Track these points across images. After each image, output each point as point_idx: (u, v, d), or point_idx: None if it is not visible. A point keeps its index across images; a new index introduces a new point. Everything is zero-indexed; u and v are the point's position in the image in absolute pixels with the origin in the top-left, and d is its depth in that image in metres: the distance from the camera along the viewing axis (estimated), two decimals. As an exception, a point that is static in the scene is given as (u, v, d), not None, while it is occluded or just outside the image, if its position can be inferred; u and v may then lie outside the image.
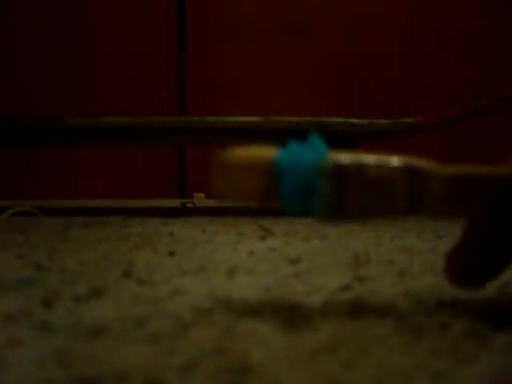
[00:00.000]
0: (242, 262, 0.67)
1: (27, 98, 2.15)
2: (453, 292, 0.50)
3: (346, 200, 0.39)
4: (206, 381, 0.30)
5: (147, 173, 2.18)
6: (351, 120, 1.25)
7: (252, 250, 0.76)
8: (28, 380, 0.30)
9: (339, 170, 0.39)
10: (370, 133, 1.26)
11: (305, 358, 0.33)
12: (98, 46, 2.16)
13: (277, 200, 0.40)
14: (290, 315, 0.42)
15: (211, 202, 1.93)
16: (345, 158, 0.40)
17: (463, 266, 0.42)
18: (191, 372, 0.31)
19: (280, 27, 2.17)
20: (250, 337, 0.38)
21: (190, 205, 1.62)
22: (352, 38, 2.18)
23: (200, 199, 2.13)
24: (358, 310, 0.44)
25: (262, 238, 0.88)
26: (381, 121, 1.26)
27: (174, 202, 1.90)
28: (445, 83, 2.18)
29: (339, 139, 1.32)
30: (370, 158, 0.40)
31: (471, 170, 0.41)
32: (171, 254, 0.73)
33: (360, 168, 0.39)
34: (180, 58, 2.18)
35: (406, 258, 0.70)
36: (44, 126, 1.24)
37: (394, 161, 0.40)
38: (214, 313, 0.44)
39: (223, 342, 0.36)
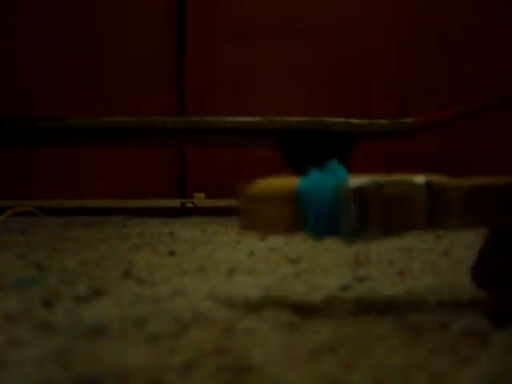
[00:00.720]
0: (242, 261, 0.67)
1: (27, 98, 2.15)
2: (453, 292, 0.50)
3: (369, 220, 0.40)
4: (206, 381, 0.30)
5: (147, 173, 2.18)
6: (351, 120, 1.25)
7: (252, 250, 0.76)
8: (28, 380, 0.30)
9: (360, 191, 0.40)
10: (370, 133, 1.26)
11: (305, 358, 0.33)
12: (98, 46, 2.16)
13: (303, 227, 0.42)
14: (290, 315, 0.42)
15: (211, 202, 1.93)
16: (365, 180, 0.41)
17: (489, 274, 0.43)
18: (191, 372, 0.31)
19: (280, 27, 2.17)
20: (250, 337, 0.38)
21: (190, 205, 1.62)
22: (352, 38, 2.18)
23: (200, 199, 2.13)
24: (357, 309, 0.44)
25: (262, 238, 0.88)
26: (381, 121, 1.26)
27: (174, 202, 1.90)
28: (445, 83, 2.18)
29: (339, 139, 1.32)
30: (388, 179, 0.41)
31: (486, 181, 0.41)
32: (171, 254, 0.73)
33: (380, 188, 0.40)
34: (180, 58, 2.18)
35: (406, 258, 0.70)
36: (44, 126, 1.24)
37: (413, 179, 0.41)
38: (214, 313, 0.44)
39: (223, 341, 0.36)
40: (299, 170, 1.37)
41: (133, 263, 0.66)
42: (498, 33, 2.18)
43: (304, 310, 0.44)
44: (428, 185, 0.40)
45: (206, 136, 1.37)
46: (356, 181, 0.41)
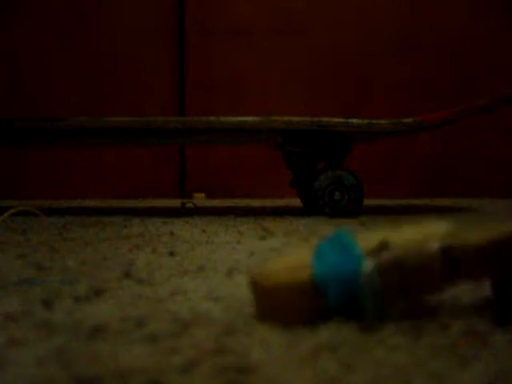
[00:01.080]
0: (242, 262, 0.67)
1: (27, 98, 2.15)
2: (453, 292, 0.50)
3: (390, 297, 0.40)
4: (206, 381, 0.30)
5: (147, 173, 2.18)
6: (351, 120, 1.25)
7: (252, 250, 0.76)
8: (28, 380, 0.30)
9: (381, 274, 0.40)
10: (369, 133, 1.27)
11: (305, 358, 0.33)
12: (98, 47, 2.16)
13: (323, 312, 0.41)
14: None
15: (211, 202, 1.93)
16: (383, 259, 0.40)
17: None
18: (191, 372, 0.31)
19: (280, 27, 2.17)
20: (250, 337, 0.38)
21: (190, 205, 1.62)
22: (352, 38, 2.18)
23: (200, 199, 2.13)
24: (357, 309, 0.44)
25: (262, 238, 0.88)
26: (381, 121, 1.26)
27: (174, 202, 1.90)
28: (445, 83, 2.18)
29: (339, 139, 1.33)
30: (407, 255, 0.41)
31: (498, 234, 0.41)
32: (171, 254, 0.73)
33: (399, 265, 0.40)
34: (180, 58, 2.18)
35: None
36: (44, 126, 1.24)
37: (429, 246, 0.41)
38: (213, 313, 0.44)
39: (223, 341, 0.36)
40: (299, 169, 1.37)
41: (133, 263, 0.66)
42: (498, 33, 2.18)
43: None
44: (443, 251, 0.41)
45: (206, 136, 1.37)
46: (375, 262, 0.40)
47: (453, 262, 0.41)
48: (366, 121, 1.26)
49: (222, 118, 1.25)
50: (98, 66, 2.15)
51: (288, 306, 0.40)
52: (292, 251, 0.44)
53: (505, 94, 1.33)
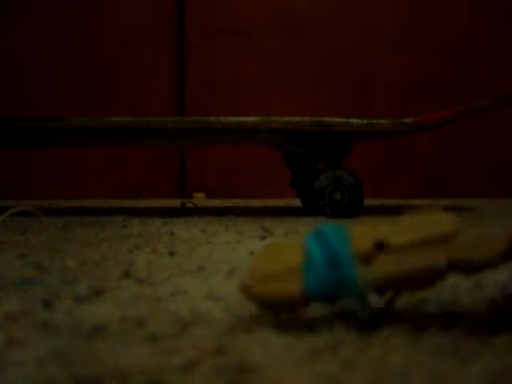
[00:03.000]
0: (242, 261, 0.67)
1: (27, 98, 2.15)
2: (453, 292, 0.50)
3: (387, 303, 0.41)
4: (206, 381, 0.30)
5: (147, 173, 2.18)
6: (351, 120, 1.25)
7: (252, 249, 0.76)
8: (28, 380, 0.30)
9: (374, 288, 0.39)
10: (369, 133, 1.27)
11: (305, 358, 0.33)
12: (98, 46, 2.16)
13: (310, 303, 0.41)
14: (290, 315, 0.42)
15: (211, 202, 1.93)
16: (378, 274, 0.39)
17: None
18: (191, 372, 0.31)
19: (280, 27, 2.17)
20: (250, 337, 0.38)
21: (190, 205, 1.62)
22: (352, 38, 2.18)
23: (200, 199, 2.13)
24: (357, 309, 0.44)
25: (262, 238, 0.88)
26: (381, 121, 1.26)
27: (174, 202, 1.90)
28: (445, 83, 2.18)
29: (339, 139, 1.33)
30: (408, 270, 0.40)
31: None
32: (171, 254, 0.73)
33: (396, 280, 0.40)
34: (180, 58, 2.18)
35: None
36: (44, 126, 1.24)
37: (435, 264, 0.39)
38: (213, 313, 0.44)
39: (223, 342, 0.36)
40: (299, 169, 1.37)
41: (133, 263, 0.66)
42: (498, 33, 2.18)
43: (304, 310, 0.44)
44: (450, 267, 0.39)
45: (206, 136, 1.37)
46: (365, 279, 0.39)
47: (457, 271, 0.40)
48: (365, 121, 1.26)
49: (222, 118, 1.25)
50: (98, 66, 2.15)
51: (281, 307, 0.41)
52: (280, 243, 0.44)
53: (505, 94, 1.33)
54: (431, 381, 0.30)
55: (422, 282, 0.39)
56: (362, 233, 0.42)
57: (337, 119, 1.26)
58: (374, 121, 1.26)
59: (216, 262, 0.66)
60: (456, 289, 0.52)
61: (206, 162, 2.18)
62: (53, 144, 1.52)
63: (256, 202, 1.90)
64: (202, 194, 2.18)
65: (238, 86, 2.17)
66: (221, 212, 1.42)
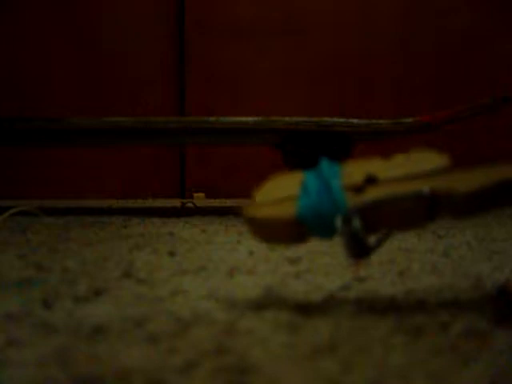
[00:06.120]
0: (242, 261, 0.67)
1: (27, 98, 2.15)
2: (453, 292, 0.50)
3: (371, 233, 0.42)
4: (206, 381, 0.30)
5: (147, 173, 2.18)
6: (351, 120, 1.25)
7: (252, 250, 0.76)
8: (28, 380, 0.30)
9: (361, 215, 0.41)
10: (369, 133, 1.26)
11: (305, 358, 0.33)
12: (98, 46, 2.16)
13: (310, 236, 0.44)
14: (290, 315, 0.42)
15: (211, 202, 1.93)
16: (364, 200, 0.41)
17: None
18: (191, 372, 0.31)
19: (280, 27, 2.17)
20: (250, 337, 0.38)
21: (190, 205, 1.62)
22: (352, 38, 2.18)
23: (200, 199, 2.13)
24: (358, 309, 0.44)
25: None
26: (381, 121, 1.26)
27: (174, 202, 1.90)
28: (445, 83, 2.18)
29: (339, 139, 1.32)
30: (391, 196, 0.41)
31: (485, 181, 0.41)
32: (171, 254, 0.73)
33: (380, 207, 0.41)
34: (180, 58, 2.18)
35: (406, 258, 0.70)
36: (44, 126, 1.24)
37: (417, 191, 0.40)
38: (213, 313, 0.44)
39: (223, 341, 0.36)
40: (298, 169, 1.37)
41: (133, 263, 0.66)
42: (498, 33, 2.18)
43: (304, 310, 0.44)
44: (432, 194, 0.40)
45: (206, 136, 1.37)
46: (353, 206, 0.41)
47: (437, 207, 0.40)
48: (365, 121, 1.26)
49: (222, 118, 1.25)
50: (97, 66, 2.15)
51: (276, 235, 0.44)
52: (283, 177, 0.46)
53: (505, 94, 1.33)
54: (431, 381, 0.30)
55: (409, 214, 0.40)
56: (354, 167, 0.44)
57: (337, 119, 1.26)
58: (374, 121, 1.26)
59: (216, 262, 0.66)
60: (456, 289, 0.52)
61: (205, 162, 2.18)
62: (53, 144, 1.52)
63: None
64: (202, 194, 2.18)
65: (237, 85, 2.17)
66: (221, 212, 1.42)
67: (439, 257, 0.71)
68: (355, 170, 0.43)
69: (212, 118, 1.25)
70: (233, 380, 0.30)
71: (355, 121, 1.25)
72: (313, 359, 0.33)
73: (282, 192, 0.44)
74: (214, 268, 0.63)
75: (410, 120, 1.26)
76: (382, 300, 0.48)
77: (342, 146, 1.34)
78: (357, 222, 0.40)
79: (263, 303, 0.47)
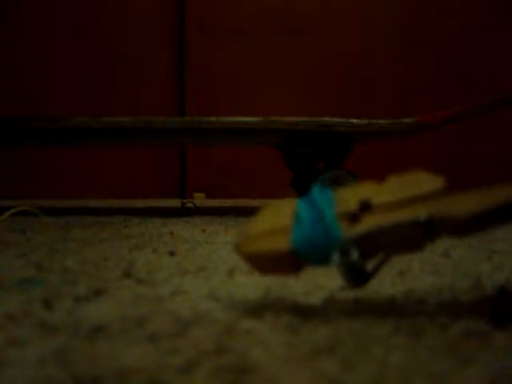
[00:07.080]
0: (242, 261, 0.67)
1: (28, 98, 2.15)
2: (453, 292, 0.50)
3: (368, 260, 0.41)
4: (206, 381, 0.30)
5: (147, 173, 2.18)
6: (351, 120, 1.25)
7: (252, 250, 0.76)
8: (28, 380, 0.30)
9: (357, 244, 0.40)
10: (369, 133, 1.26)
11: (304, 358, 0.33)
12: (98, 46, 2.16)
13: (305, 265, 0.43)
14: (290, 315, 0.42)
15: (211, 202, 1.93)
16: (360, 230, 0.40)
17: None
18: (191, 372, 0.31)
19: (280, 27, 2.17)
20: (250, 337, 0.38)
21: (190, 205, 1.62)
22: (352, 38, 2.18)
23: (200, 199, 2.13)
24: (357, 309, 0.44)
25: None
26: (381, 121, 1.26)
27: (174, 202, 1.90)
28: (445, 83, 2.18)
29: (339, 139, 1.32)
30: (387, 224, 0.40)
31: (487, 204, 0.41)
32: (171, 254, 0.73)
33: (377, 236, 0.41)
34: (180, 58, 2.18)
35: (406, 258, 0.70)
36: (44, 126, 1.24)
37: (413, 217, 0.40)
38: (214, 313, 0.44)
39: (223, 341, 0.36)
40: (299, 169, 1.37)
41: (133, 263, 0.66)
42: (498, 33, 2.18)
43: (304, 311, 0.44)
44: (429, 220, 0.40)
45: (206, 136, 1.37)
46: (348, 236, 0.40)
47: (435, 232, 0.40)
48: (365, 121, 1.26)
49: (222, 118, 1.25)
50: (97, 66, 2.15)
51: (272, 267, 0.43)
52: (276, 205, 0.46)
53: (505, 94, 1.33)
54: (431, 381, 0.30)
55: (406, 240, 0.40)
56: (348, 194, 0.43)
57: (337, 119, 1.26)
58: (374, 121, 1.26)
59: (216, 262, 0.66)
60: (456, 289, 0.52)
61: (205, 162, 2.18)
62: (53, 144, 1.52)
63: (256, 202, 1.90)
64: (202, 194, 2.18)
65: (237, 85, 2.17)
66: (221, 212, 1.42)
67: (439, 257, 0.71)
68: (348, 196, 0.43)
69: (212, 118, 1.25)
70: (233, 380, 0.30)
71: (355, 121, 1.25)
72: (313, 359, 0.33)
73: (274, 222, 0.44)
74: (213, 268, 0.63)
75: (410, 120, 1.26)
76: (382, 300, 0.48)
77: (342, 146, 1.34)
78: (354, 255, 0.40)
79: (263, 303, 0.47)
